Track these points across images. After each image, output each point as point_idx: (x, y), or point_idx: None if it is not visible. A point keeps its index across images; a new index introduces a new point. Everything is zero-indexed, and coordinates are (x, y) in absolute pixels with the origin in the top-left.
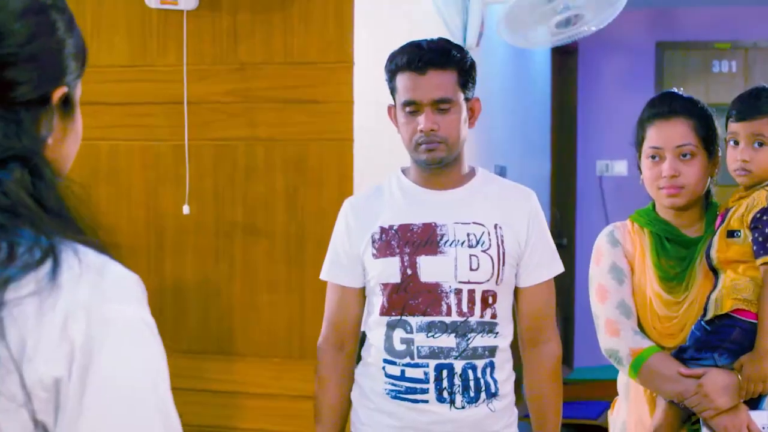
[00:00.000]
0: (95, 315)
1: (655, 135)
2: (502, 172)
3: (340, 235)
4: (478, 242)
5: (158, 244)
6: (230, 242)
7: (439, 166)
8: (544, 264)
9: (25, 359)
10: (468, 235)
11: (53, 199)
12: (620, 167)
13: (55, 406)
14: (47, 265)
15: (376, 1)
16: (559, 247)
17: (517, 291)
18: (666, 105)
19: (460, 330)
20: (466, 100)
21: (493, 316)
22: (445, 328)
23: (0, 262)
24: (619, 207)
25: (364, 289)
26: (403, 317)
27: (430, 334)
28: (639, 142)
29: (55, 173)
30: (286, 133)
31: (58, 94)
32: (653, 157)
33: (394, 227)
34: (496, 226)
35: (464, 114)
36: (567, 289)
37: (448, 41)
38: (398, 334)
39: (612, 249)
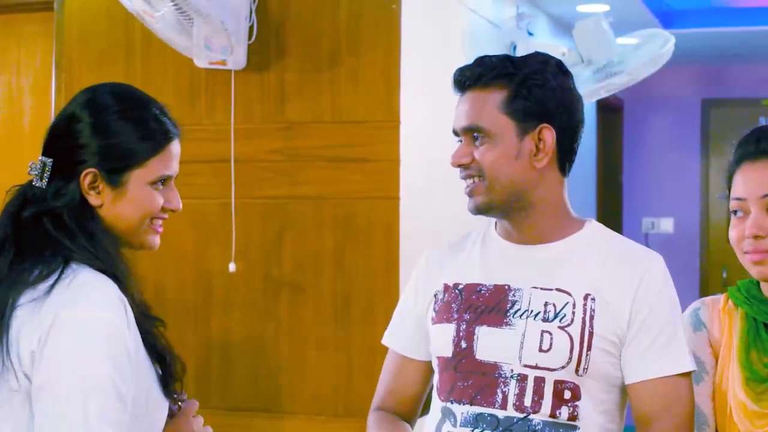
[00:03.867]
0: (59, 315)
1: (739, 183)
2: None
3: (407, 292)
4: (556, 315)
5: (205, 301)
6: (277, 300)
7: (487, 215)
8: (660, 354)
9: (20, 340)
10: (546, 304)
11: (84, 238)
12: (666, 225)
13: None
14: (51, 281)
15: (423, 60)
16: None
17: (626, 390)
18: (753, 143)
19: (516, 430)
20: (524, 129)
21: (572, 417)
22: (495, 425)
23: (32, 280)
24: (666, 265)
25: (431, 363)
26: (449, 404)
27: (475, 431)
28: (728, 194)
29: (96, 221)
30: (333, 191)
31: (83, 174)
32: (735, 212)
33: (460, 286)
34: (587, 297)
35: (511, 146)
36: None
37: (512, 57)
38: (444, 426)
39: (693, 334)
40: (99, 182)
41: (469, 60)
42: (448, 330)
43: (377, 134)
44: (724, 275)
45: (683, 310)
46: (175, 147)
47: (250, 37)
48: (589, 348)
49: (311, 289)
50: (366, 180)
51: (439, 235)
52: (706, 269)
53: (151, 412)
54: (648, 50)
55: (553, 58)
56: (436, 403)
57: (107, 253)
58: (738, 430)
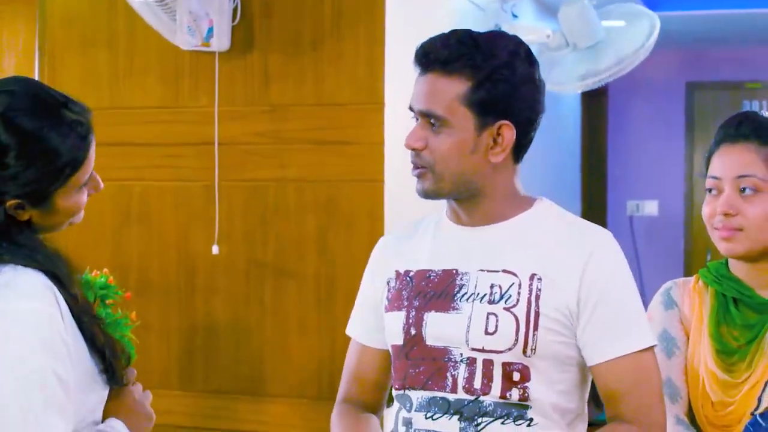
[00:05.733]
0: None
1: (717, 163)
2: None
3: (364, 280)
4: (501, 297)
5: (189, 284)
6: (261, 283)
7: (434, 198)
8: (619, 332)
9: None
10: (492, 287)
11: (16, 247)
12: (651, 207)
13: None
14: None
15: (407, 42)
16: None
17: (590, 371)
18: (733, 127)
19: (467, 412)
20: (483, 123)
21: (523, 398)
22: (447, 408)
23: None
24: (650, 247)
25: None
26: (406, 391)
27: (429, 415)
28: (706, 173)
29: (26, 233)
30: (316, 174)
31: (7, 203)
32: (710, 190)
33: (411, 273)
34: (533, 276)
35: (467, 139)
36: None
37: (488, 37)
38: (401, 413)
39: (665, 312)
40: (25, 206)
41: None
42: (399, 317)
43: (361, 117)
44: (708, 257)
45: None
46: (92, 146)
47: (234, 19)
48: (535, 328)
49: (295, 273)
50: (350, 163)
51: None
52: (691, 251)
53: (82, 395)
54: (634, 35)
55: (523, 45)
56: (395, 392)
57: (44, 255)
58: (710, 400)
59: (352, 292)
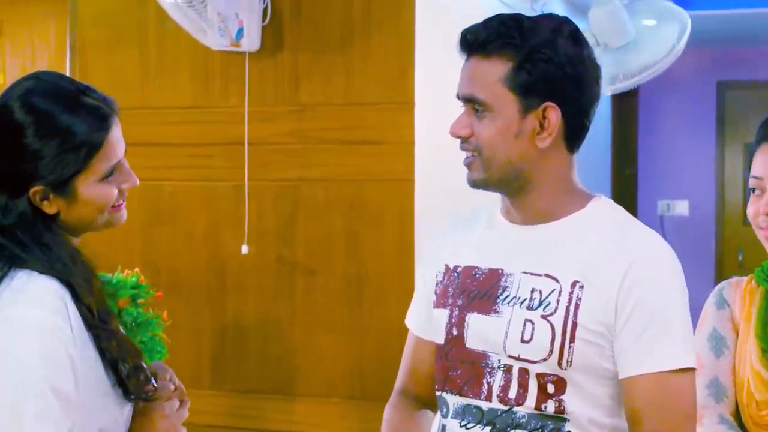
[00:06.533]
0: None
1: (758, 162)
2: None
3: (421, 270)
4: (540, 303)
5: (219, 283)
6: (290, 282)
7: (485, 190)
8: (650, 348)
9: None
10: (533, 291)
11: (37, 249)
12: (681, 207)
13: None
14: None
15: (437, 41)
16: None
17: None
18: None
19: (499, 423)
20: (527, 105)
21: (560, 410)
22: (480, 417)
23: None
24: (681, 248)
25: None
26: (443, 393)
27: (463, 423)
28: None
29: (51, 231)
30: (346, 173)
31: (31, 192)
32: (753, 189)
33: (459, 269)
34: (574, 284)
35: (512, 123)
36: None
37: (532, 18)
38: (439, 417)
39: (717, 312)
40: (49, 194)
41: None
42: (443, 315)
43: (391, 116)
44: (740, 257)
45: (702, 293)
46: (115, 133)
47: (264, 20)
48: (572, 340)
49: (324, 272)
50: (379, 162)
51: (454, 217)
52: (722, 251)
53: (93, 408)
54: (665, 34)
55: (568, 24)
56: (436, 392)
57: (62, 261)
58: (754, 399)
59: (382, 291)
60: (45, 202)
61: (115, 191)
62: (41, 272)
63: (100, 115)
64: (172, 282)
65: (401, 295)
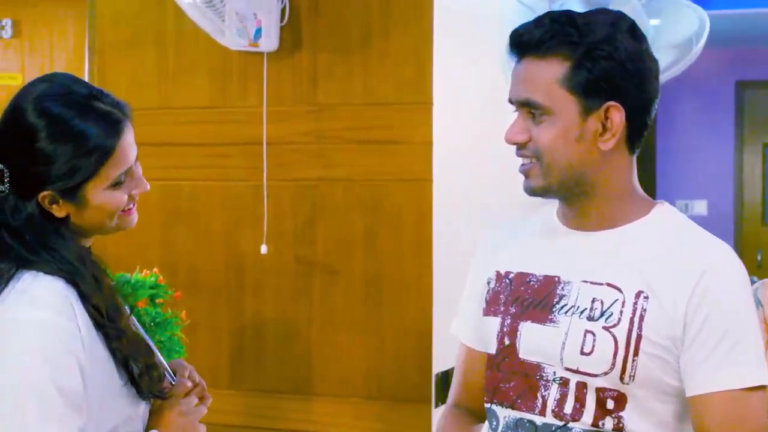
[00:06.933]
0: (1, 315)
1: None
2: None
3: (469, 277)
4: (602, 314)
5: (238, 283)
6: (308, 282)
7: (544, 197)
8: (721, 364)
9: None
10: (593, 301)
11: (45, 251)
12: (700, 207)
13: None
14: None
15: (455, 41)
16: None
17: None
18: None
19: None
20: (588, 107)
21: (618, 428)
22: None
23: None
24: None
25: None
26: (493, 406)
27: None
28: None
29: (59, 234)
30: (364, 173)
31: (40, 196)
32: None
33: (511, 275)
34: (639, 294)
35: (573, 126)
36: None
37: (585, 14)
38: (487, 430)
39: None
40: (58, 199)
41: (503, 38)
42: (494, 324)
43: (409, 116)
44: (759, 258)
45: None
46: (127, 138)
47: (282, 20)
48: (636, 353)
49: (343, 272)
50: (398, 162)
51: (473, 217)
52: (741, 252)
53: (104, 407)
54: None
55: (626, 19)
56: (485, 404)
57: (69, 263)
58: None
59: (400, 290)
60: (54, 206)
61: (125, 197)
62: (47, 273)
63: (112, 121)
64: (190, 282)
65: (419, 295)
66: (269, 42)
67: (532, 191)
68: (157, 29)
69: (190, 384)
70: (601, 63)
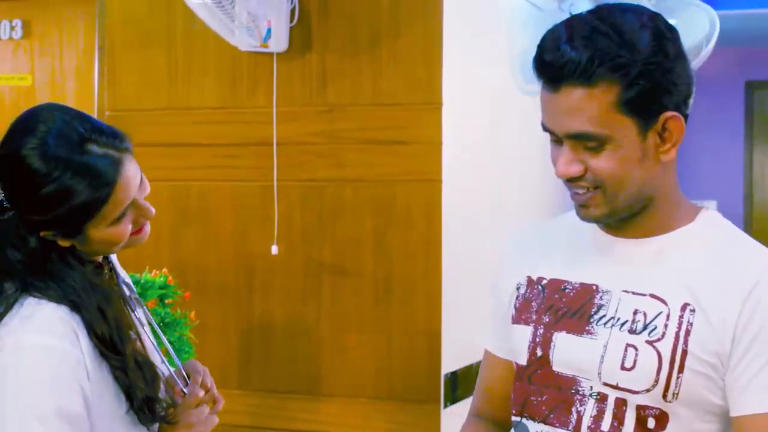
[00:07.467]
0: (6, 341)
1: None
2: None
3: (495, 284)
4: (645, 327)
5: (247, 284)
6: (318, 283)
7: (605, 222)
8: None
9: None
10: (635, 313)
11: (48, 278)
12: (709, 207)
13: None
14: (2, 310)
15: (465, 41)
16: None
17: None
18: None
19: None
20: (646, 125)
21: None
22: None
23: None
24: None
25: None
26: (523, 419)
27: None
28: None
29: (63, 264)
30: (374, 174)
31: (41, 233)
32: None
33: (543, 281)
34: (685, 307)
35: (635, 148)
36: None
37: (615, 22)
38: None
39: None
40: (59, 237)
41: (512, 40)
42: (525, 333)
43: (419, 116)
44: None
45: None
46: (125, 174)
47: (291, 20)
48: (680, 370)
49: (352, 272)
50: (407, 163)
51: (483, 218)
52: None
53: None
54: (693, 33)
55: (657, 17)
56: (512, 417)
57: (73, 291)
58: None
59: (410, 291)
60: (59, 238)
61: (129, 228)
62: (51, 300)
63: (110, 163)
64: (200, 282)
65: (428, 295)
66: (279, 42)
67: (594, 219)
68: (167, 29)
69: (201, 393)
70: (655, 76)
